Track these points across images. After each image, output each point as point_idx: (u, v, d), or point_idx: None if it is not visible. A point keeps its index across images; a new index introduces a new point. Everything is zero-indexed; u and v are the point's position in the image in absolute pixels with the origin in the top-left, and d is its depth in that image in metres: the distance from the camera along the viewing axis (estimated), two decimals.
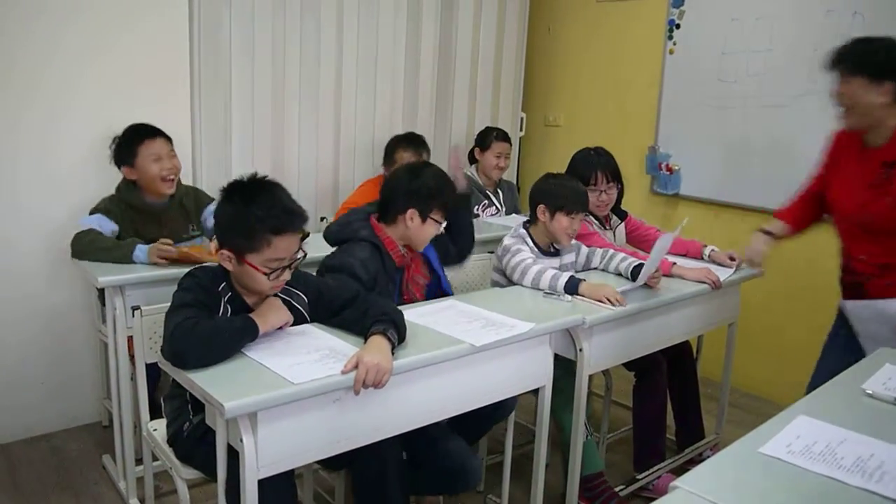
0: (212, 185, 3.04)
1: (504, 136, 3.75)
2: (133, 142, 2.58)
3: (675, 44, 3.83)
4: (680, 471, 2.45)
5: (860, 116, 2.13)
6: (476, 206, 3.65)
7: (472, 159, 3.80)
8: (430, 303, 2.15)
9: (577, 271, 2.56)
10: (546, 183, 2.50)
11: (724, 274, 2.57)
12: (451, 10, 3.94)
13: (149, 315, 1.92)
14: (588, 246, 2.61)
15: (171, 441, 1.87)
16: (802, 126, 3.32)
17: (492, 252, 2.71)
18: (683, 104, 3.82)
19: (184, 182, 2.83)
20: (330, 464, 1.92)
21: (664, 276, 2.44)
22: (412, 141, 3.50)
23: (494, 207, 3.73)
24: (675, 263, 2.56)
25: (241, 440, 1.46)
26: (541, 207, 2.46)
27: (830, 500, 1.15)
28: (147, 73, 2.93)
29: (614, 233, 2.84)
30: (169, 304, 1.69)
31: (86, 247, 2.41)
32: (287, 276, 1.75)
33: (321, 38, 3.47)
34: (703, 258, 2.76)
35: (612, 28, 4.16)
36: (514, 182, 4.28)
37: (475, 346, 1.80)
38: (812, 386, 2.13)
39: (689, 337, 2.74)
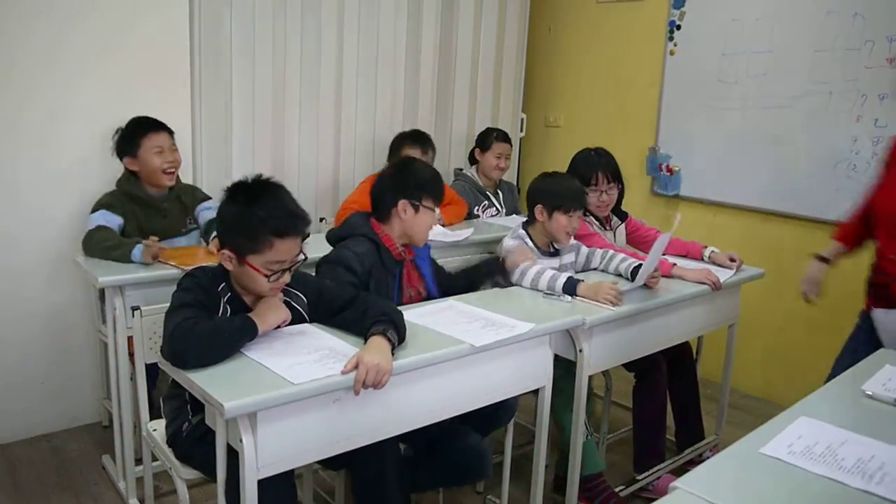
0: (212, 185, 3.05)
1: (504, 137, 3.75)
2: (136, 134, 2.63)
3: (675, 45, 3.83)
4: (680, 471, 2.45)
5: None
6: (476, 207, 3.65)
7: (473, 160, 3.80)
8: (430, 303, 2.15)
9: (576, 271, 2.56)
10: (542, 182, 2.50)
11: (724, 275, 2.57)
12: (451, 11, 3.94)
13: (148, 315, 1.92)
14: (588, 246, 2.61)
15: (171, 441, 1.87)
16: (803, 127, 3.32)
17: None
18: (684, 105, 3.82)
19: (184, 181, 2.86)
20: (330, 464, 1.92)
21: (665, 277, 2.45)
22: (418, 138, 3.50)
23: (494, 208, 3.73)
24: (675, 264, 2.56)
25: (241, 440, 1.46)
26: (538, 208, 2.46)
27: (831, 501, 1.15)
28: (148, 73, 2.93)
29: (615, 234, 2.84)
30: (168, 304, 1.69)
31: (94, 246, 2.46)
32: (287, 278, 1.76)
33: (322, 38, 3.47)
34: (703, 259, 2.75)
35: (613, 29, 4.16)
36: (515, 183, 4.28)
37: (475, 346, 1.80)
38: (833, 374, 2.10)
39: (689, 338, 2.74)
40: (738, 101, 3.57)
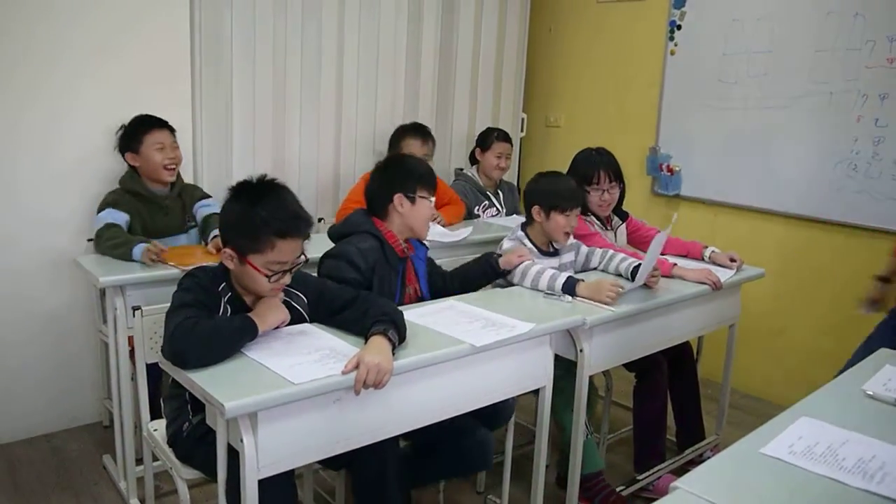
0: (212, 184, 3.05)
1: (505, 137, 3.75)
2: (139, 130, 2.69)
3: (675, 45, 3.83)
4: (680, 471, 2.45)
5: None
6: (476, 207, 3.66)
7: (473, 160, 3.80)
8: (430, 303, 2.15)
9: (576, 271, 2.56)
10: (538, 183, 2.50)
11: (724, 275, 2.57)
12: (452, 11, 3.94)
13: (149, 315, 1.92)
14: (588, 246, 2.61)
15: (171, 441, 1.87)
16: (803, 127, 3.32)
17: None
18: (684, 105, 3.82)
19: (184, 181, 2.87)
20: (330, 464, 1.92)
21: (665, 277, 2.45)
22: (418, 130, 3.50)
23: (495, 208, 3.73)
24: (675, 264, 2.56)
25: (242, 440, 1.46)
26: (535, 208, 2.46)
27: (832, 501, 1.15)
28: (148, 73, 2.93)
29: (615, 233, 2.84)
30: (169, 304, 1.69)
31: (103, 244, 2.51)
32: (287, 279, 1.76)
33: (322, 38, 3.47)
34: (703, 259, 2.75)
35: (614, 29, 4.16)
36: (515, 183, 4.28)
37: (475, 346, 1.80)
38: (849, 364, 2.11)
39: (689, 338, 2.74)
40: (739, 101, 3.57)
